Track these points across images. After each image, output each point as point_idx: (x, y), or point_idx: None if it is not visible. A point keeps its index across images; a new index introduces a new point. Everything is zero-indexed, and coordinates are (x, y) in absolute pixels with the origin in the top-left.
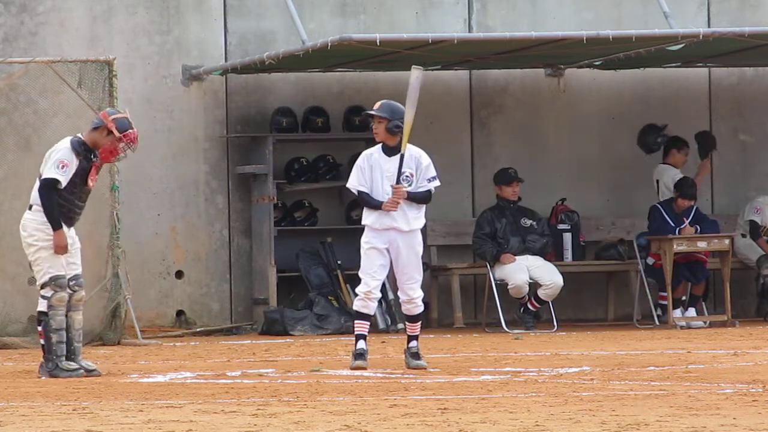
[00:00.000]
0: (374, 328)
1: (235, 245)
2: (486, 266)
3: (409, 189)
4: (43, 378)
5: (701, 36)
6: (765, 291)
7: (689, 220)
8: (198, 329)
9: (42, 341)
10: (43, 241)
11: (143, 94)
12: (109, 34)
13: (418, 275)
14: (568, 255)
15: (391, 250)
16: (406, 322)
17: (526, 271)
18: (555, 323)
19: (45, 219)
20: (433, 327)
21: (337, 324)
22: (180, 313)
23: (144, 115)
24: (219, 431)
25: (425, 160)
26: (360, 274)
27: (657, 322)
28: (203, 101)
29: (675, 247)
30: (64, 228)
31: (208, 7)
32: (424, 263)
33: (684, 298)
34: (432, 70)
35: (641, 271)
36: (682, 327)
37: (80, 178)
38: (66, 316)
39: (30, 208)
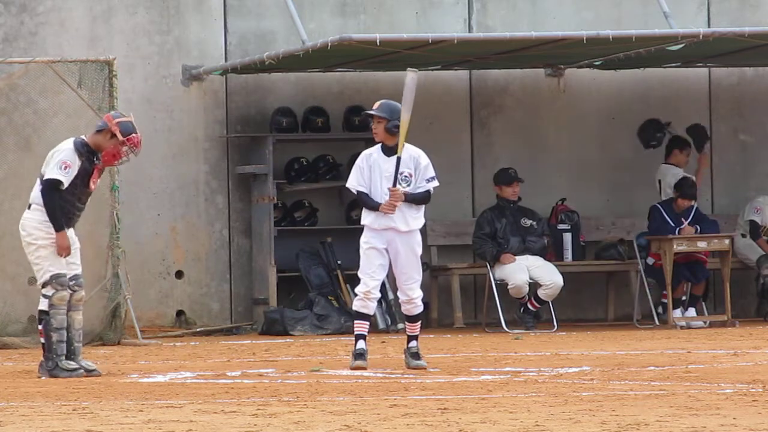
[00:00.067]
0: (374, 328)
1: (235, 245)
2: (486, 266)
3: (407, 189)
4: (43, 377)
5: (701, 36)
6: (765, 291)
7: (689, 220)
8: (198, 329)
9: (42, 340)
10: (43, 239)
11: (143, 94)
12: (109, 34)
13: (417, 275)
14: (568, 255)
15: (390, 251)
16: (406, 322)
17: (526, 271)
18: (555, 323)
19: (44, 218)
20: (433, 327)
21: (337, 324)
22: (180, 313)
23: (144, 115)
24: (219, 431)
25: (424, 160)
26: (359, 274)
27: (657, 322)
28: (203, 101)
29: (675, 247)
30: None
31: (208, 7)
32: (424, 263)
33: (684, 298)
34: (432, 70)
35: (641, 271)
36: (682, 327)
37: (81, 179)
38: (66, 315)
39: (29, 207)
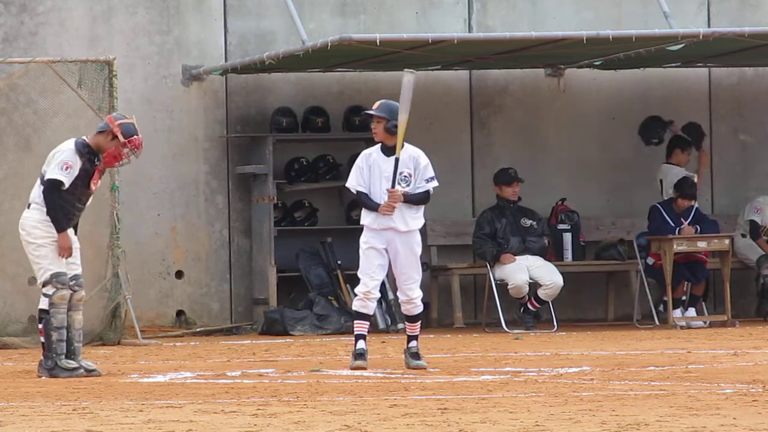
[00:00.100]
0: (374, 328)
1: (235, 245)
2: (486, 266)
3: (407, 189)
4: (43, 376)
5: (701, 36)
6: (765, 291)
7: (689, 220)
8: (198, 329)
9: (42, 339)
10: (42, 238)
11: (143, 94)
12: (109, 34)
13: (417, 275)
14: (568, 255)
15: (390, 251)
16: (406, 322)
17: (526, 271)
18: (555, 323)
19: (44, 217)
20: (433, 327)
21: (337, 324)
22: (180, 313)
23: (144, 115)
24: (219, 431)
25: (423, 160)
26: (359, 274)
27: (657, 322)
28: (203, 101)
29: (675, 247)
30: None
31: (208, 7)
32: (423, 263)
33: (684, 298)
34: (432, 70)
35: (641, 271)
36: (682, 327)
37: (82, 180)
38: (66, 315)
39: (29, 206)
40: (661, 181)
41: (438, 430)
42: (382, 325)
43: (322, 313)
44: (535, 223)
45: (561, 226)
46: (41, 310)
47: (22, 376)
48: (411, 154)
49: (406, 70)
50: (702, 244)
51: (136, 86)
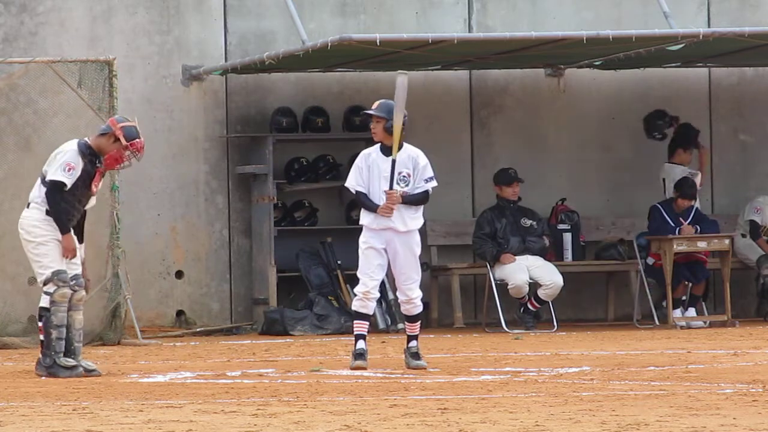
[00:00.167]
0: (374, 328)
1: (235, 245)
2: (486, 266)
3: (406, 189)
4: (41, 374)
5: (701, 36)
6: (765, 291)
7: (689, 220)
8: (198, 329)
9: (41, 337)
10: (42, 236)
11: (143, 94)
12: (109, 34)
13: (416, 275)
14: (568, 255)
15: (389, 251)
16: (406, 322)
17: (526, 271)
18: (555, 323)
19: (43, 216)
20: (433, 327)
21: (337, 324)
22: (180, 313)
23: (144, 115)
24: (219, 431)
25: (423, 160)
26: (358, 274)
27: (657, 322)
28: (203, 101)
29: (675, 247)
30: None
31: (208, 7)
32: (424, 263)
33: (684, 298)
34: (432, 70)
35: (641, 271)
36: (682, 327)
37: (83, 181)
38: (66, 314)
39: (28, 206)
40: (663, 180)
41: (438, 430)
42: (382, 325)
43: (322, 313)
44: (535, 223)
45: (561, 226)
46: (41, 308)
47: (22, 376)
48: (410, 154)
49: (399, 72)
50: (702, 244)
51: (136, 86)
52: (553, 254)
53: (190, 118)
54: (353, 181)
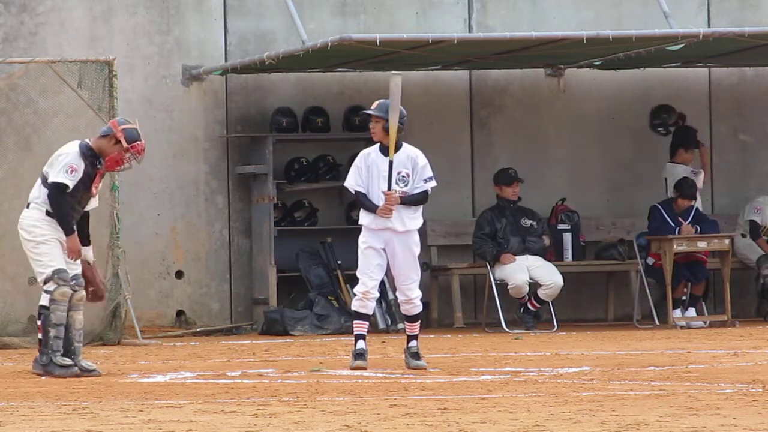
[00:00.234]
0: (374, 328)
1: (235, 245)
2: (486, 266)
3: (405, 189)
4: (37, 373)
5: (701, 36)
6: (765, 291)
7: (689, 220)
8: (198, 329)
9: (40, 335)
10: (41, 236)
11: (143, 94)
12: (109, 34)
13: (415, 275)
14: (568, 255)
15: (388, 251)
16: (406, 322)
17: (526, 271)
18: (555, 323)
19: (43, 215)
20: (433, 327)
21: (337, 324)
22: (180, 313)
23: (144, 115)
24: (219, 431)
25: (422, 160)
26: (357, 274)
27: (657, 322)
28: (203, 101)
29: (675, 247)
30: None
31: (208, 7)
32: (424, 263)
33: (684, 298)
34: (432, 70)
35: (641, 271)
36: (682, 327)
37: (84, 183)
38: (66, 315)
39: (28, 206)
40: (666, 179)
41: (438, 430)
42: (382, 325)
43: (322, 313)
44: (535, 223)
45: (561, 226)
46: (41, 306)
47: (22, 376)
48: (409, 154)
49: (392, 73)
50: (702, 244)
51: (136, 86)
52: (553, 254)
53: (190, 118)
54: (352, 181)
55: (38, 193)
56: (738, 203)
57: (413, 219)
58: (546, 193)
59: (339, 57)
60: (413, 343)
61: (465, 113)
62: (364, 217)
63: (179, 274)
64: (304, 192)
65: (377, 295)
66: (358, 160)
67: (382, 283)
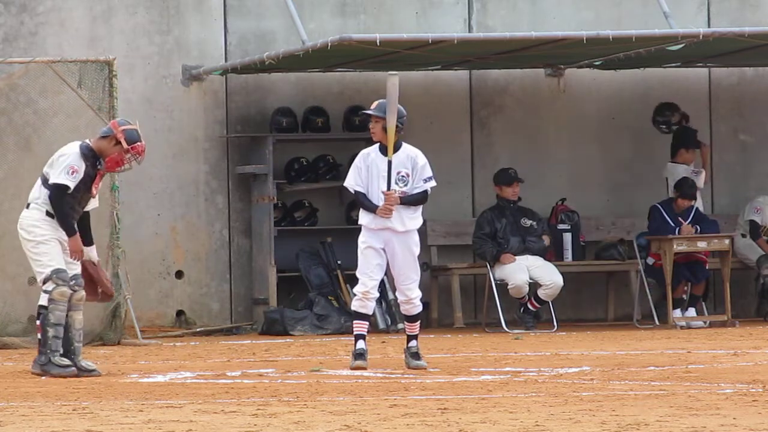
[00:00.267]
0: (374, 328)
1: (235, 245)
2: (486, 266)
3: (405, 189)
4: (36, 372)
5: (701, 36)
6: (765, 291)
7: (689, 220)
8: (198, 329)
9: (39, 335)
10: (41, 235)
11: (143, 94)
12: (109, 34)
13: (415, 275)
14: (568, 255)
15: (387, 251)
16: (406, 322)
17: (526, 271)
18: (555, 323)
19: (43, 215)
20: (433, 327)
21: (337, 324)
22: (180, 313)
23: (144, 115)
24: (219, 431)
25: (421, 160)
26: (357, 274)
27: (657, 322)
28: (203, 101)
29: (675, 247)
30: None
31: (208, 7)
32: (424, 263)
33: (684, 298)
34: (432, 70)
35: (641, 271)
36: (682, 327)
37: (84, 184)
38: (66, 315)
39: (27, 206)
40: (667, 179)
41: (438, 430)
42: (382, 325)
43: (322, 313)
44: (535, 223)
45: (561, 226)
46: (40, 306)
47: (22, 376)
48: (409, 154)
49: (389, 73)
50: (702, 244)
51: (136, 86)
52: (553, 254)
53: (190, 118)
54: (352, 181)
55: (38, 194)
56: (738, 203)
57: (413, 219)
58: (546, 193)
59: (339, 57)
60: (413, 343)
61: (465, 113)
62: (364, 217)
63: (179, 274)
64: (304, 192)
65: (377, 295)
66: (358, 160)
67: (382, 283)
